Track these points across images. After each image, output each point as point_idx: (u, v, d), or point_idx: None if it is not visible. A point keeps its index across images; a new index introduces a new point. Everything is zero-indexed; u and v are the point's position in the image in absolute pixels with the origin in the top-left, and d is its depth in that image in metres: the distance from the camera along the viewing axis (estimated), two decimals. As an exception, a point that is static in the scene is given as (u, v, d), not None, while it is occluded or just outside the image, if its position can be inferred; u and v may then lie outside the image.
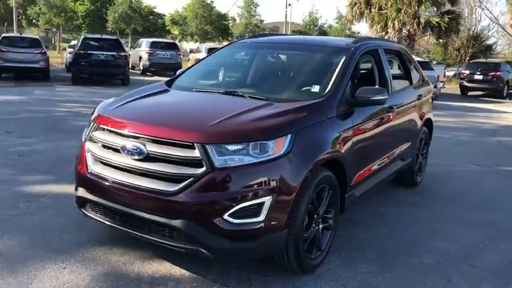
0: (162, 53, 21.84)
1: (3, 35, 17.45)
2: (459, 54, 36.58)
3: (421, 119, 5.41)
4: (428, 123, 5.76)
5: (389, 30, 27.00)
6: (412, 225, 4.49)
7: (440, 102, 17.51)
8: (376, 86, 3.90)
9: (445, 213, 4.86)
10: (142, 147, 2.98)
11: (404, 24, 26.94)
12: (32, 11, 41.64)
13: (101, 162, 3.23)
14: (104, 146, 3.24)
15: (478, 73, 21.36)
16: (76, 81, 16.04)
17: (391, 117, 4.43)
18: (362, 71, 4.72)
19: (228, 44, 5.09)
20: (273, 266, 3.31)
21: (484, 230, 4.45)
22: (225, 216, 2.82)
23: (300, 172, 3.02)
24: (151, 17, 47.92)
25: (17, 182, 5.02)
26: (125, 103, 3.54)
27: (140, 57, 22.64)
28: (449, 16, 26.43)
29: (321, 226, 3.42)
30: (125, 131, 3.10)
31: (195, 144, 2.85)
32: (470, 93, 22.00)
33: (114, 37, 18.39)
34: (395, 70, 5.60)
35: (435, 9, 27.29)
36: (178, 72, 4.60)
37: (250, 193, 2.86)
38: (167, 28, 50.47)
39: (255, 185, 2.88)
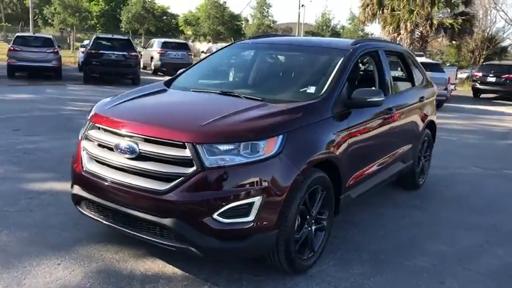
0: (173, 53, 21.97)
1: (16, 34, 17.73)
2: (473, 56, 36.17)
3: (423, 121, 5.37)
4: (431, 125, 5.72)
5: (402, 31, 26.82)
6: (410, 227, 4.46)
7: (452, 104, 17.37)
8: (373, 88, 3.88)
9: (444, 216, 4.83)
10: (134, 146, 3.01)
11: (417, 26, 26.76)
12: (47, 10, 42.21)
13: (96, 161, 3.27)
14: (99, 145, 3.29)
15: (491, 75, 21.08)
16: (87, 81, 16.21)
17: (390, 118, 4.41)
18: (362, 73, 4.71)
19: (230, 44, 5.11)
20: (264, 266, 3.33)
21: (484, 234, 4.41)
22: (215, 216, 2.84)
23: (291, 173, 3.03)
24: (165, 17, 48.25)
25: (20, 179, 5.10)
26: (121, 102, 3.59)
27: (152, 57, 22.80)
28: (462, 17, 26.17)
29: (314, 227, 3.42)
30: (118, 130, 3.14)
31: (185, 143, 2.88)
32: (482, 95, 21.73)
33: (125, 37, 18.55)
34: (398, 72, 5.59)
35: (448, 10, 27.05)
36: (179, 72, 4.64)
37: (240, 193, 2.87)
38: (180, 28, 50.76)
39: (245, 185, 2.89)
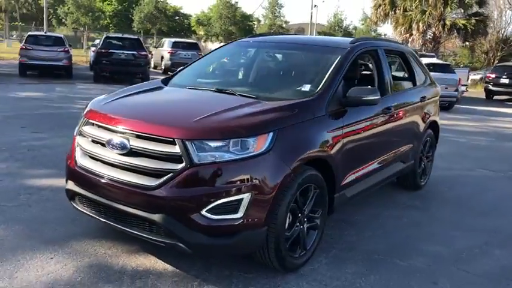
0: (184, 53, 22.05)
1: (28, 33, 17.97)
2: (487, 58, 35.75)
3: (425, 121, 5.31)
4: (433, 125, 5.65)
5: (414, 32, 26.65)
6: (408, 228, 4.42)
7: (463, 106, 17.20)
8: (369, 86, 3.85)
9: (444, 218, 4.77)
10: (125, 141, 3.03)
11: (429, 26, 26.55)
12: (61, 10, 42.71)
13: (89, 156, 3.30)
14: (93, 141, 3.31)
15: (504, 77, 20.81)
16: (97, 80, 16.36)
17: (389, 118, 4.37)
18: (362, 72, 4.68)
19: (230, 42, 5.11)
20: (255, 264, 3.32)
21: (483, 236, 4.35)
22: (203, 212, 2.84)
23: (281, 170, 3.02)
24: (177, 17, 48.49)
25: (21, 175, 5.16)
26: (116, 99, 3.62)
27: (162, 57, 22.92)
28: (476, 18, 25.92)
29: (306, 225, 3.40)
30: (110, 126, 3.16)
31: (175, 140, 2.88)
32: (495, 97, 21.47)
33: (135, 37, 18.68)
34: (400, 71, 5.54)
35: (462, 11, 26.80)
36: (178, 69, 4.65)
37: (229, 189, 2.87)
38: (193, 29, 50.98)
39: (234, 182, 2.89)
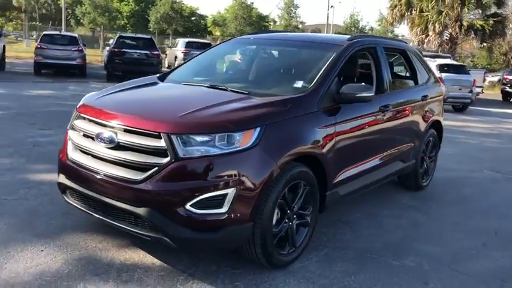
0: (197, 53, 22.10)
1: (43, 32, 18.25)
2: (506, 59, 35.11)
3: (427, 120, 5.22)
4: (436, 125, 5.56)
5: (430, 33, 26.26)
6: (406, 228, 4.36)
7: (478, 107, 16.95)
8: (363, 83, 3.80)
9: (444, 218, 4.69)
10: (113, 135, 3.05)
11: (445, 27, 26.14)
12: (78, 10, 43.34)
13: (80, 150, 3.33)
14: (84, 135, 3.34)
15: (521, 78, 20.44)
16: (110, 79, 16.52)
17: (386, 116, 4.32)
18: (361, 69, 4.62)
19: (229, 39, 5.11)
20: (244, 260, 3.30)
21: (482, 237, 4.27)
22: (187, 206, 2.84)
23: (267, 166, 3.00)
24: (194, 18, 48.75)
25: (24, 170, 5.23)
26: (109, 94, 3.65)
27: (176, 57, 23.05)
28: (494, 19, 25.44)
29: (296, 222, 3.37)
30: (100, 120, 3.19)
31: (161, 134, 2.89)
32: (512, 99, 21.10)
33: (148, 36, 18.81)
34: (401, 69, 5.47)
35: (479, 11, 26.34)
36: (176, 66, 4.67)
37: (214, 184, 2.87)
38: (209, 29, 51.21)
39: (219, 177, 2.88)
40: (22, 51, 30.03)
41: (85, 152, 3.25)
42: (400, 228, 4.35)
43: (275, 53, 4.57)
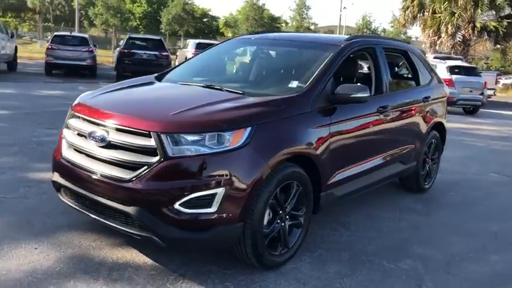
0: (207, 54, 22.21)
1: (54, 33, 18.47)
2: (520, 62, 34.66)
3: (429, 121, 5.16)
4: (439, 127, 5.49)
5: (443, 34, 26.03)
6: (404, 231, 4.30)
7: (489, 110, 16.75)
8: (359, 84, 3.77)
9: (444, 221, 4.63)
10: (105, 134, 3.06)
11: (458, 29, 25.88)
12: (91, 12, 43.78)
13: (73, 149, 3.35)
14: (78, 134, 3.36)
15: (535, 81, 20.14)
16: (120, 79, 16.51)
17: (384, 117, 4.27)
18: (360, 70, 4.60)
19: (228, 39, 5.11)
20: (236, 261, 3.29)
21: (481, 241, 4.20)
22: (176, 206, 2.84)
23: (257, 165, 2.98)
24: (206, 19, 48.94)
25: (26, 169, 5.29)
26: (104, 93, 3.67)
27: (186, 58, 23.16)
28: (508, 20, 25.14)
29: (288, 223, 3.35)
30: (92, 119, 3.21)
31: (151, 133, 2.89)
32: (525, 102, 20.80)
33: (158, 37, 18.94)
34: (403, 70, 5.41)
35: (493, 13, 26.03)
36: (175, 65, 4.68)
37: (203, 183, 2.86)
38: (221, 31, 51.37)
39: (208, 176, 2.87)
40: (35, 52, 30.43)
41: (78, 151, 3.27)
42: (398, 230, 4.30)
43: (273, 53, 4.56)
